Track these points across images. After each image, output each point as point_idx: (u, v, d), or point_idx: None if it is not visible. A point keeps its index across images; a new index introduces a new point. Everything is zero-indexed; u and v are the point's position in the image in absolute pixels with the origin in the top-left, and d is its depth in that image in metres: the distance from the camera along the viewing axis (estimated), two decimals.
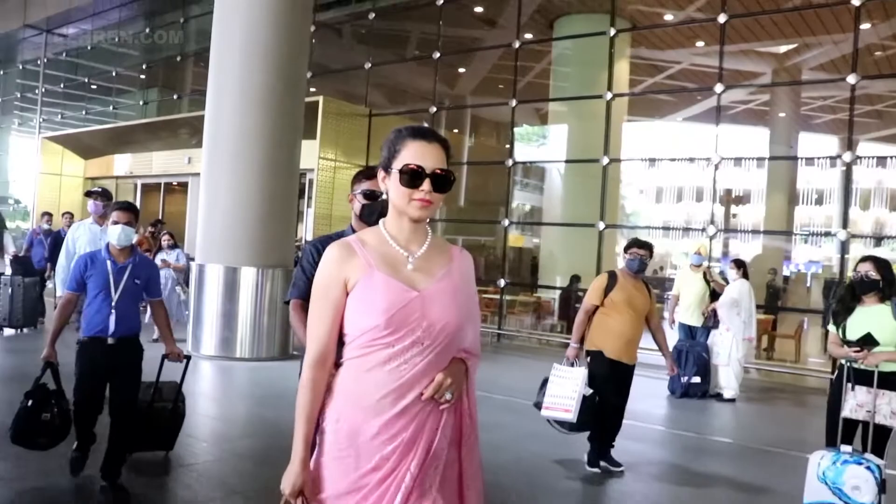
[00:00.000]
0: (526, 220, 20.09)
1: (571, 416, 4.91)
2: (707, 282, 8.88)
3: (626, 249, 5.50)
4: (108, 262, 4.31)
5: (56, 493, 4.38)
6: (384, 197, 2.01)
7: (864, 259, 4.57)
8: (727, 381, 8.44)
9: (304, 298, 2.74)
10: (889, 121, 19.70)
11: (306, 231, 14.41)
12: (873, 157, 15.61)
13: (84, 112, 22.69)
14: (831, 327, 4.63)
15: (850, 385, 4.38)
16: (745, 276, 8.68)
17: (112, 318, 4.23)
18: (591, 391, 5.08)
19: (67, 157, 21.12)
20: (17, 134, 28.36)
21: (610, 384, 5.23)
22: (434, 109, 14.15)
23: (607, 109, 12.00)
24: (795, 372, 10.93)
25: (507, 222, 13.46)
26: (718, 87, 11.06)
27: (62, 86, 23.50)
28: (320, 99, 13.35)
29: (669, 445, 6.63)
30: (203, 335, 9.42)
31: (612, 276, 5.41)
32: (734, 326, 8.46)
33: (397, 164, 1.94)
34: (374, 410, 1.88)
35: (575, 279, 12.79)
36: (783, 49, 15.83)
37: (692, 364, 8.41)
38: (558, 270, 14.23)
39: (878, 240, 17.52)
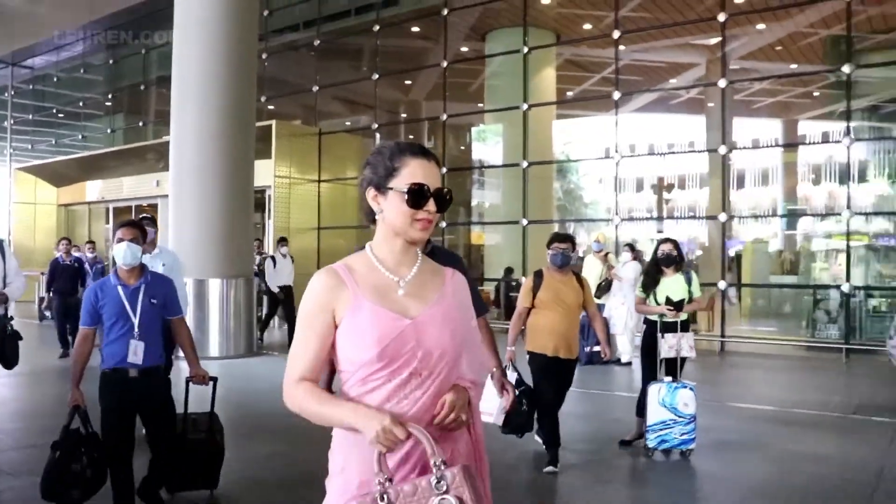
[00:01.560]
0: (484, 218, 21.48)
1: (493, 420, 4.64)
2: (605, 266, 10.47)
3: (548, 245, 5.59)
4: (119, 287, 3.97)
5: None
6: (378, 216, 1.87)
7: (665, 241, 6.14)
8: (623, 347, 10.04)
9: None
10: (825, 101, 20.89)
11: (270, 243, 15.81)
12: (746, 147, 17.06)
13: (54, 141, 23.90)
14: (640, 293, 6.16)
15: (661, 335, 5.92)
16: (638, 258, 10.28)
17: (134, 348, 3.92)
18: (522, 388, 5.22)
19: (40, 186, 22.32)
20: None
21: (551, 381, 5.40)
22: (375, 125, 15.67)
23: (524, 119, 13.59)
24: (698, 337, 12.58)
25: (444, 223, 15.04)
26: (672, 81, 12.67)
27: (31, 116, 24.68)
28: (273, 123, 14.82)
29: (583, 402, 7.92)
30: None
31: (539, 276, 5.52)
32: (629, 301, 10.04)
33: (398, 183, 1.81)
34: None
35: (508, 271, 14.38)
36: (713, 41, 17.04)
37: (593, 335, 9.97)
38: (503, 264, 15.81)
39: (756, 218, 19.20)
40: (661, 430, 5.64)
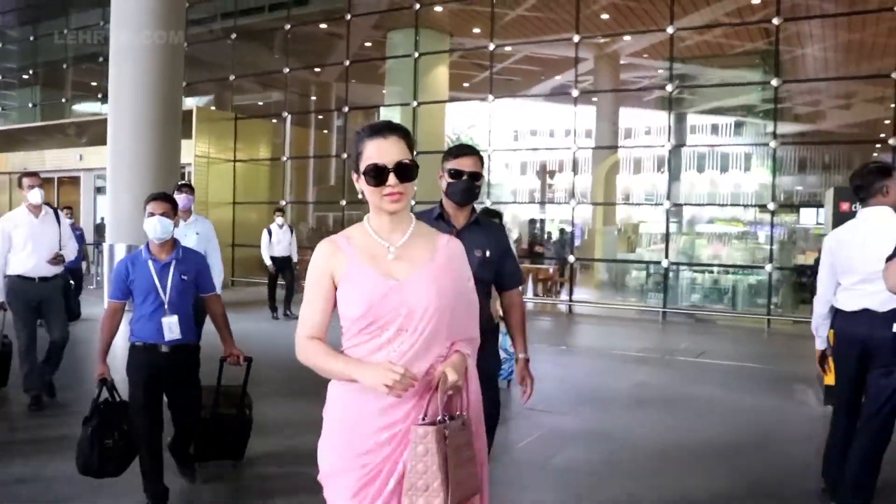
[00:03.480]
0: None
1: None
2: None
3: None
4: (150, 262, 3.92)
5: None
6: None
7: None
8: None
9: None
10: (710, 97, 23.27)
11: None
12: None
13: None
14: None
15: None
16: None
17: (168, 324, 3.87)
18: None
19: None
20: None
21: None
22: (287, 115, 17.83)
23: (413, 116, 16.03)
24: (547, 301, 15.43)
25: (343, 202, 17.33)
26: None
27: None
28: (194, 107, 16.79)
29: None
30: None
31: None
32: None
33: (362, 166, 1.97)
34: (372, 396, 1.93)
35: None
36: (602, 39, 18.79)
37: None
38: None
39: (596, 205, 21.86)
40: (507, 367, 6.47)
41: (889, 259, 3.10)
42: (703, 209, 18.98)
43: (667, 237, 14.28)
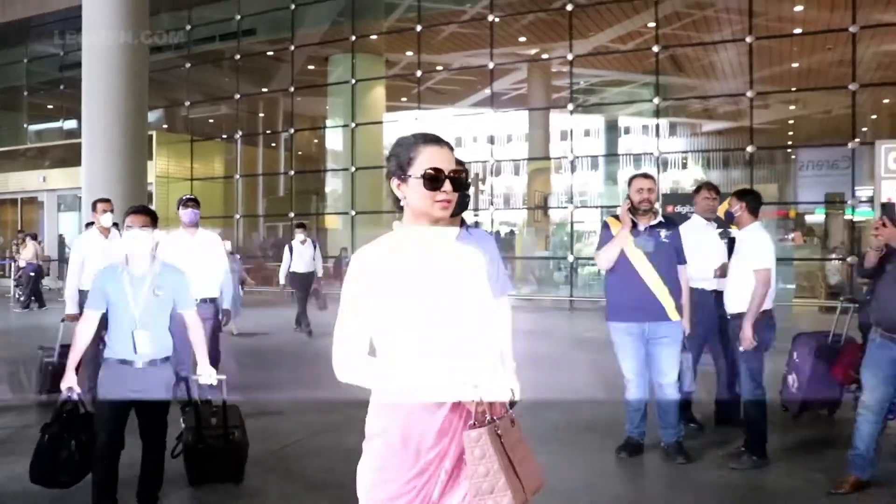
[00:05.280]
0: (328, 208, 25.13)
1: None
2: None
3: None
4: (126, 274, 3.80)
5: None
6: (402, 203, 2.02)
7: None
8: None
9: None
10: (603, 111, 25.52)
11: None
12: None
13: None
14: None
15: None
16: None
17: (138, 338, 3.74)
18: None
19: None
20: None
21: None
22: (238, 136, 19.82)
23: (352, 135, 18.12)
24: None
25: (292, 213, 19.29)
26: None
27: None
28: (154, 132, 18.61)
29: None
30: None
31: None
32: None
33: (415, 170, 2.00)
34: (420, 408, 1.95)
35: (343, 250, 18.84)
36: (534, 50, 20.72)
37: None
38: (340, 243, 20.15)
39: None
40: None
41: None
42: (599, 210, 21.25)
43: (571, 236, 16.60)
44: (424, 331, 1.97)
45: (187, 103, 20.34)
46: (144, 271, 3.82)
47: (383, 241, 2.06)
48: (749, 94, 14.76)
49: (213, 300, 5.93)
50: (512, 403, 2.03)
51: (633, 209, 4.85)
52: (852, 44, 13.95)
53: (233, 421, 4.45)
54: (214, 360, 5.22)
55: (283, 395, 6.78)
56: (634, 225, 4.85)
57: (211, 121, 22.63)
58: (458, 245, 2.10)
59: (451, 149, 2.05)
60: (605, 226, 5.08)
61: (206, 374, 4.02)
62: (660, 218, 5.00)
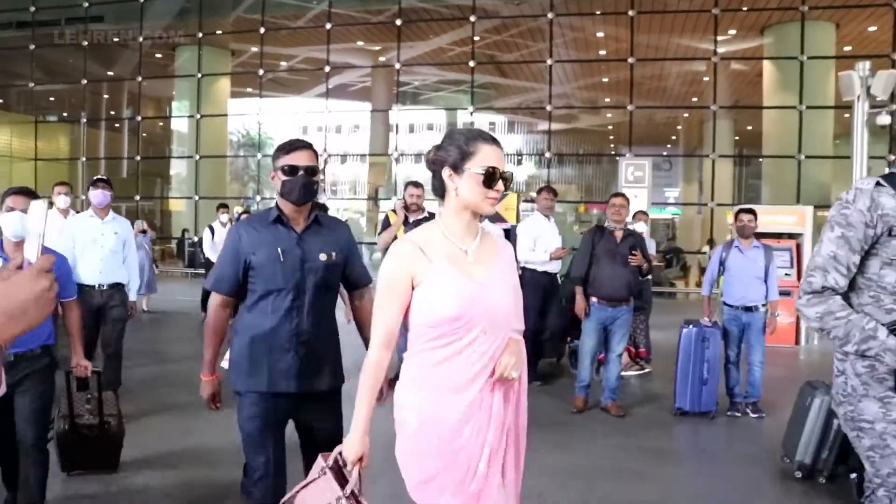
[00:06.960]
0: (173, 192, 25.23)
1: None
2: None
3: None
4: (2, 262, 3.39)
5: None
6: (450, 193, 2.08)
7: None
8: None
9: (231, 295, 2.76)
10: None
11: None
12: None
13: None
14: None
15: None
16: None
17: None
18: None
19: None
20: None
21: None
22: (83, 119, 20.52)
23: (197, 126, 19.32)
24: None
25: (137, 197, 20.28)
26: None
27: None
28: None
29: None
30: None
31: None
32: None
33: (473, 165, 2.05)
34: (454, 397, 2.04)
35: (185, 231, 20.02)
36: (378, 47, 21.21)
37: None
38: (183, 225, 21.20)
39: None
40: None
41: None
42: None
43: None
44: (459, 334, 2.04)
45: (31, 84, 20.73)
46: (25, 259, 3.72)
47: (425, 234, 2.15)
48: (548, 107, 17.41)
49: (121, 286, 5.67)
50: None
51: (407, 207, 6.44)
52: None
53: (108, 409, 4.46)
54: (117, 351, 5.60)
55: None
56: (407, 220, 6.36)
57: (53, 100, 22.87)
58: (486, 243, 2.19)
59: (503, 149, 2.16)
60: (386, 218, 6.77)
61: (81, 366, 3.96)
62: (426, 213, 6.40)
